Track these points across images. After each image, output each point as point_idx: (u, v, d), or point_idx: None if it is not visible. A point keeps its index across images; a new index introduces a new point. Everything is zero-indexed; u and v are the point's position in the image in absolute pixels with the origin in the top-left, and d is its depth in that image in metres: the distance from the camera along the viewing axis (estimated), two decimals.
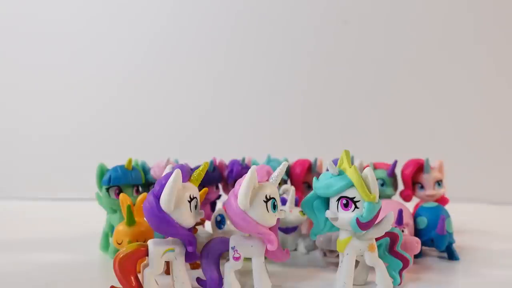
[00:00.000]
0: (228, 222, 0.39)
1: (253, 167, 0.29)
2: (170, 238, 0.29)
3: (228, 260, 0.31)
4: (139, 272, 0.29)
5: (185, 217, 0.28)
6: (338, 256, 0.32)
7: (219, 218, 0.39)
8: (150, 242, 0.29)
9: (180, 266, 0.29)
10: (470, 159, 0.79)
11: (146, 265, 0.29)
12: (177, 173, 0.27)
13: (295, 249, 0.44)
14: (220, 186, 0.47)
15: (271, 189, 0.30)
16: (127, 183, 0.41)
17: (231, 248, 0.30)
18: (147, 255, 0.29)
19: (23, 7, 0.85)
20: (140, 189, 0.42)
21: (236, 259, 0.30)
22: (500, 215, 0.68)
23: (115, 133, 0.84)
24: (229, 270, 0.30)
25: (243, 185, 0.28)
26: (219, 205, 0.46)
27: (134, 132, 0.85)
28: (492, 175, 0.79)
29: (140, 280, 0.29)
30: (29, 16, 0.85)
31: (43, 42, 0.85)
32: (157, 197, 0.28)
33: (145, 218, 0.29)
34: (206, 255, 0.30)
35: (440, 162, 0.44)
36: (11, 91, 0.85)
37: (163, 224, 0.28)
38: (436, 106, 0.82)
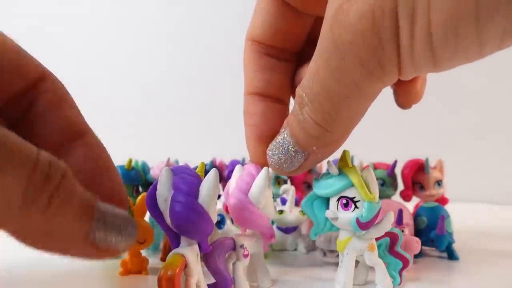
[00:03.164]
0: (228, 222, 0.39)
1: (265, 168, 0.30)
2: (185, 243, 0.28)
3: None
4: None
5: (215, 215, 0.28)
6: (338, 256, 0.32)
7: (219, 218, 0.39)
8: (184, 251, 0.27)
9: (200, 267, 0.28)
10: (470, 159, 0.79)
11: (188, 275, 0.27)
12: (216, 172, 0.28)
13: (295, 249, 0.44)
14: (220, 186, 0.47)
15: (271, 187, 0.31)
16: (127, 183, 0.41)
17: (240, 246, 0.30)
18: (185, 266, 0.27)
19: (21, 7, 0.85)
20: (140, 189, 0.42)
21: (246, 256, 0.30)
22: (500, 215, 0.68)
23: (115, 133, 0.84)
24: (239, 268, 0.30)
25: (260, 183, 0.29)
26: (219, 205, 0.46)
27: (134, 132, 0.85)
28: (492, 175, 0.79)
29: None
30: (28, 16, 0.85)
31: (43, 42, 0.85)
32: (195, 197, 0.27)
33: (176, 221, 0.27)
34: (216, 256, 0.29)
35: (440, 162, 0.44)
36: None
37: (206, 224, 0.27)
38: (436, 106, 0.82)
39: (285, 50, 0.30)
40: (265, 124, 0.30)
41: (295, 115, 0.26)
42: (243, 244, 0.30)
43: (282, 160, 0.28)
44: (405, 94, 0.28)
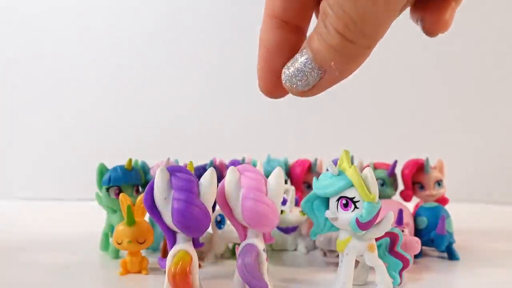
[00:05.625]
0: (228, 222, 0.39)
1: (278, 168, 0.30)
2: (181, 240, 0.29)
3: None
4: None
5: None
6: (338, 256, 0.32)
7: (219, 218, 0.39)
8: (188, 248, 0.29)
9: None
10: (470, 159, 0.79)
11: (193, 273, 0.29)
12: (214, 171, 0.29)
13: (295, 249, 0.44)
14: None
15: None
16: (127, 183, 0.41)
17: (263, 250, 0.30)
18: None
19: (19, 8, 0.85)
20: (140, 189, 0.42)
21: (267, 259, 0.30)
22: (500, 215, 0.67)
23: (115, 133, 0.84)
24: (265, 272, 0.30)
25: (279, 181, 0.29)
26: None
27: (134, 132, 0.85)
28: (492, 175, 0.79)
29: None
30: (27, 18, 0.85)
31: (43, 43, 0.85)
32: (196, 194, 0.28)
33: (178, 218, 0.28)
34: (255, 265, 0.29)
35: (440, 162, 0.44)
36: (11, 91, 0.85)
37: (207, 220, 0.29)
38: (436, 106, 0.82)
39: None
40: (279, 56, 0.28)
41: (316, 28, 0.25)
42: (264, 248, 0.30)
43: (297, 78, 0.26)
44: (433, 22, 0.28)
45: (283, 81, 0.27)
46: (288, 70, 0.27)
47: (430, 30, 0.28)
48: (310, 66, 0.26)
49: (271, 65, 0.28)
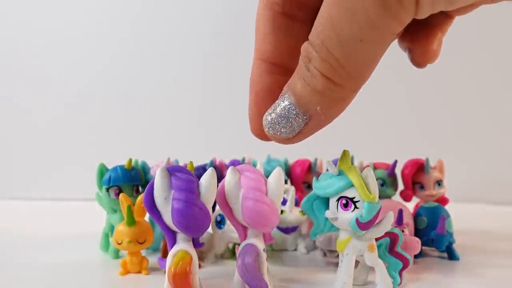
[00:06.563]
0: (228, 222, 0.39)
1: (278, 168, 0.30)
2: (181, 240, 0.29)
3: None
4: None
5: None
6: (338, 256, 0.32)
7: (219, 218, 0.39)
8: (189, 249, 0.29)
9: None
10: (470, 159, 0.79)
11: (193, 273, 0.29)
12: (214, 171, 0.29)
13: (295, 249, 0.44)
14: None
15: None
16: (127, 183, 0.41)
17: (263, 250, 0.30)
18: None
19: (17, 7, 0.85)
20: (140, 189, 0.42)
21: (267, 259, 0.30)
22: (500, 215, 0.68)
23: (115, 133, 0.84)
24: (265, 272, 0.29)
25: (279, 182, 0.30)
26: None
27: (134, 132, 0.85)
28: (492, 175, 0.79)
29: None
30: (24, 17, 0.85)
31: (43, 42, 0.85)
32: (196, 194, 0.28)
33: (178, 218, 0.28)
34: (254, 265, 0.29)
35: (440, 162, 0.44)
36: (11, 91, 0.85)
37: (207, 220, 0.29)
38: (436, 106, 0.82)
39: (304, 5, 0.28)
40: (269, 99, 0.27)
41: (298, 72, 0.24)
42: (264, 248, 0.30)
43: (280, 125, 0.25)
44: (422, 53, 0.27)
45: (265, 129, 0.25)
46: (270, 117, 0.25)
47: (420, 61, 0.28)
48: (294, 112, 0.24)
49: (261, 109, 0.27)
